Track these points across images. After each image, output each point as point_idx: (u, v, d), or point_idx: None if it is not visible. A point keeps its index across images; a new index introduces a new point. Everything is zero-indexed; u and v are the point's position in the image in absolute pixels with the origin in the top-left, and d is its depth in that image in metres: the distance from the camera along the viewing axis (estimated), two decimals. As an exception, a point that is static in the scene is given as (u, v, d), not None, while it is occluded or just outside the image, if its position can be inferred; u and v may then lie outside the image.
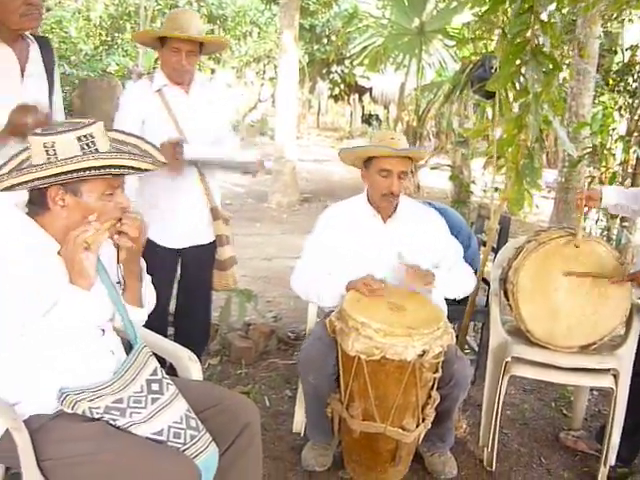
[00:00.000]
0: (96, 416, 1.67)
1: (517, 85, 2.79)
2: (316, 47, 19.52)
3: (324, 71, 21.51)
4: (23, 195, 1.72)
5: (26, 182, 1.62)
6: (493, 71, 3.61)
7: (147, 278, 2.00)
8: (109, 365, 1.79)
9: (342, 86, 21.91)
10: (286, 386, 3.47)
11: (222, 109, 3.05)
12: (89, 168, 1.60)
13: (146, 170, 1.74)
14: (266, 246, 6.97)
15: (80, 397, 1.66)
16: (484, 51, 5.09)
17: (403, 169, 2.57)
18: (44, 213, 1.69)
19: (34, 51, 2.37)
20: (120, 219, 1.73)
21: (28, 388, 1.68)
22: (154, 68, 16.48)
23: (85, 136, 1.62)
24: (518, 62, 2.63)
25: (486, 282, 3.35)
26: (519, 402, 3.47)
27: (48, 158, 1.61)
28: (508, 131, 2.80)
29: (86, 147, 1.62)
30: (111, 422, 1.68)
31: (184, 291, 3.02)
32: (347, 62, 19.69)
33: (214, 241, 3.01)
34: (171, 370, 2.13)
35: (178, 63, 2.75)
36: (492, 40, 4.60)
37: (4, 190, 1.63)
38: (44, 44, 2.42)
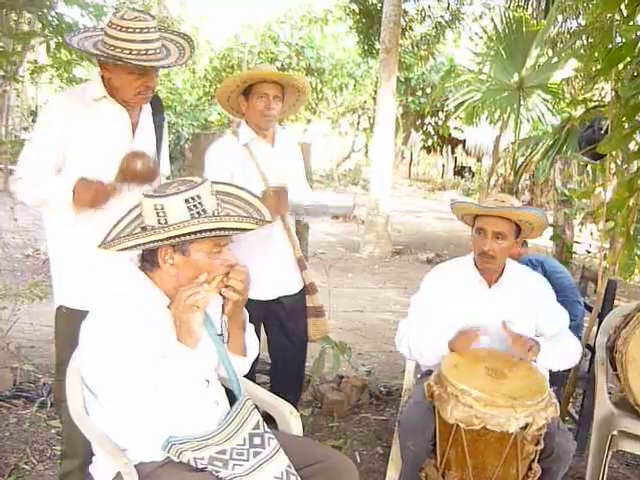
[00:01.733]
0: (200, 466, 1.71)
1: (630, 147, 2.71)
2: (410, 99, 19.72)
3: (418, 123, 21.64)
4: (137, 250, 1.82)
5: (138, 245, 1.71)
6: (603, 133, 3.53)
7: (250, 327, 2.05)
8: (214, 416, 1.84)
9: (435, 138, 21.94)
10: (377, 442, 3.41)
11: (299, 158, 3.17)
12: (196, 232, 1.67)
13: (251, 229, 1.80)
14: (358, 298, 6.97)
15: (186, 447, 1.71)
16: (585, 107, 4.97)
17: (498, 230, 2.51)
18: (155, 269, 1.78)
19: (146, 108, 2.51)
20: (227, 273, 1.79)
21: (136, 436, 1.73)
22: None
23: (193, 198, 1.70)
24: (632, 124, 2.56)
25: (590, 348, 3.21)
26: (622, 478, 3.26)
27: (158, 220, 1.70)
28: (619, 194, 2.71)
29: (193, 208, 1.69)
30: (214, 473, 1.71)
31: (280, 341, 3.05)
32: (441, 114, 19.77)
33: (302, 290, 3.05)
34: (268, 418, 2.13)
35: (266, 108, 2.83)
36: (593, 100, 4.50)
37: (119, 250, 1.74)
38: (155, 101, 2.54)
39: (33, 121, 7.86)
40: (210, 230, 1.69)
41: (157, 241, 1.69)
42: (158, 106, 2.60)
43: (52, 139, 2.32)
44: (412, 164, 25.58)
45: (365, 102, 20.18)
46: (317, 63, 18.16)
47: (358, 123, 22.40)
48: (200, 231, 1.68)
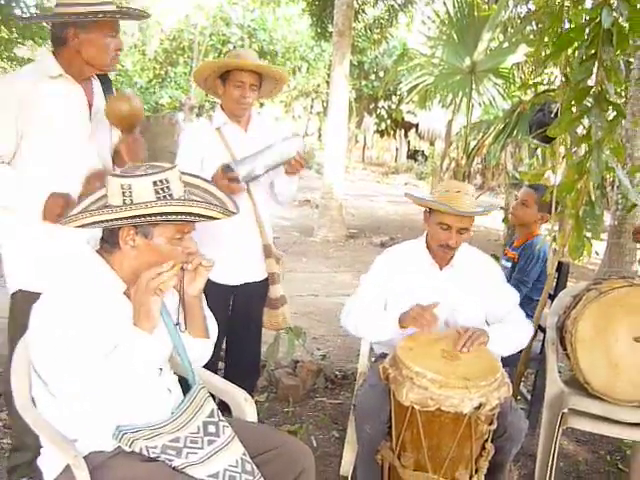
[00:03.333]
0: (152, 455, 1.68)
1: (578, 131, 2.75)
2: (364, 83, 19.77)
3: (371, 106, 21.72)
4: (97, 231, 1.77)
5: (100, 222, 1.67)
6: (553, 116, 3.58)
7: (208, 311, 2.02)
8: (166, 404, 1.81)
9: (388, 122, 22.07)
10: (333, 426, 3.43)
11: None
12: (161, 214, 1.64)
13: (216, 218, 1.76)
14: (312, 282, 6.97)
15: (137, 435, 1.68)
16: (535, 92, 5.04)
17: (463, 226, 2.55)
18: (114, 251, 1.73)
19: (97, 87, 2.48)
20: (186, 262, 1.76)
21: (87, 426, 1.69)
22: (206, 101, 16.92)
23: (161, 181, 1.67)
24: (581, 108, 2.59)
25: (541, 329, 3.27)
26: (573, 454, 3.35)
27: (124, 200, 1.66)
28: (569, 177, 2.75)
29: (161, 192, 1.66)
30: (167, 462, 1.68)
31: (235, 328, 3.01)
32: (394, 98, 19.88)
33: (266, 279, 3.02)
34: (221, 405, 2.11)
35: (242, 96, 2.81)
36: (543, 84, 4.57)
37: (78, 227, 1.68)
38: (105, 79, 2.52)
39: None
40: (175, 214, 1.66)
41: (120, 219, 1.64)
42: (107, 82, 2.55)
43: (9, 118, 2.25)
44: (365, 148, 25.70)
45: (318, 86, 20.14)
46: (269, 46, 18.03)
47: (311, 107, 22.36)
48: (165, 213, 1.64)
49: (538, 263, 3.45)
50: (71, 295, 1.65)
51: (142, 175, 1.66)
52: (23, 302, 2.33)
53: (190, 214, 1.69)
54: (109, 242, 1.73)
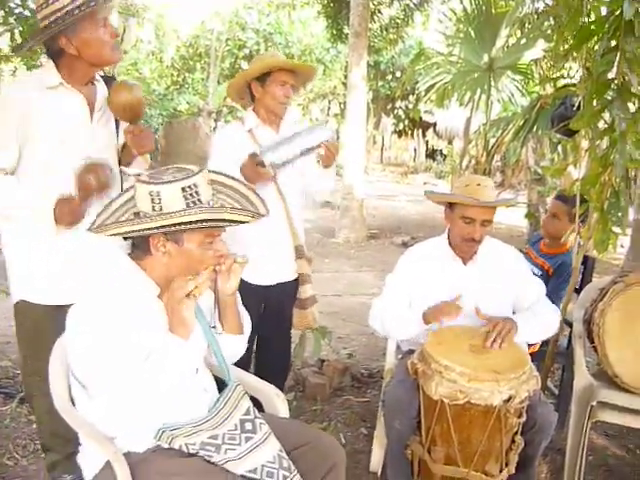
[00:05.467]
0: (192, 451, 1.71)
1: (601, 123, 2.74)
2: (381, 84, 19.74)
3: (388, 107, 21.67)
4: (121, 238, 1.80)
5: (132, 231, 1.69)
6: (575, 109, 3.56)
7: (241, 306, 2.05)
8: (203, 403, 1.83)
9: (406, 121, 22.00)
10: (361, 424, 3.45)
11: None
12: (192, 222, 1.66)
13: (246, 222, 1.78)
14: (336, 282, 6.99)
15: (176, 433, 1.71)
16: (554, 86, 5.02)
17: (487, 218, 2.56)
18: (145, 257, 1.76)
19: (101, 91, 2.42)
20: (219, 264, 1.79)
21: (126, 427, 1.72)
22: (223, 106, 17.02)
23: (189, 187, 1.68)
24: (603, 101, 2.58)
25: (567, 323, 3.27)
26: (602, 448, 3.34)
27: (153, 207, 1.68)
28: (593, 170, 2.74)
29: (190, 197, 1.67)
30: (206, 458, 1.71)
31: (266, 327, 3.04)
32: (411, 98, 19.81)
33: (297, 279, 3.06)
34: (253, 403, 2.12)
35: (285, 95, 2.86)
36: (563, 78, 4.54)
37: (110, 235, 1.72)
38: (110, 83, 2.45)
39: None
40: (205, 221, 1.68)
41: (151, 228, 1.66)
42: (112, 84, 2.48)
43: (9, 130, 2.22)
44: (384, 149, 25.65)
45: (335, 87, 20.14)
46: (285, 49, 18.07)
47: (329, 109, 22.37)
48: (195, 221, 1.66)
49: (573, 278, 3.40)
50: (107, 300, 1.68)
51: (170, 182, 1.68)
52: (24, 312, 2.38)
53: (219, 219, 1.71)
54: (140, 249, 1.76)
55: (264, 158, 2.69)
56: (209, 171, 1.81)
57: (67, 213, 2.20)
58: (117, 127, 2.50)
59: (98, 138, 2.39)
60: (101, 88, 2.42)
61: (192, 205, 1.67)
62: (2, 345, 4.19)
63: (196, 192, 1.69)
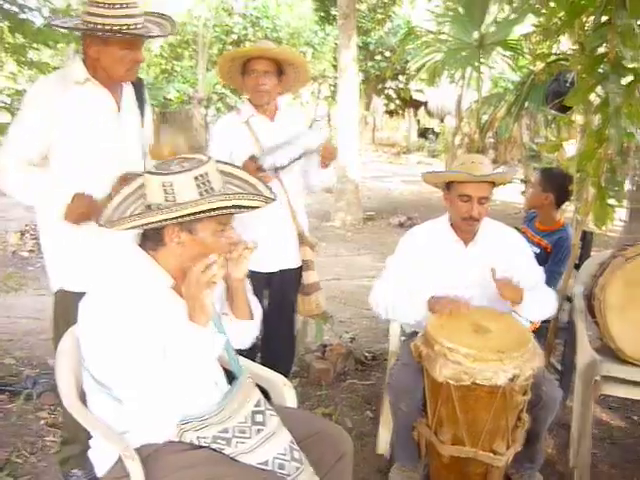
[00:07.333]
0: (203, 445, 1.72)
1: (596, 98, 2.74)
2: (370, 64, 19.61)
3: (379, 87, 21.57)
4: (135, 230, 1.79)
5: (147, 224, 1.68)
6: (569, 85, 3.56)
7: (250, 293, 2.06)
8: (213, 396, 1.83)
9: (397, 101, 21.91)
10: (366, 407, 3.47)
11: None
12: (208, 210, 1.66)
13: (257, 207, 1.79)
14: (334, 266, 6.99)
15: (187, 427, 1.72)
16: (545, 62, 5.00)
17: (483, 194, 2.56)
18: (158, 248, 1.75)
19: (127, 89, 2.50)
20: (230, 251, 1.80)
21: (144, 420, 1.72)
22: (213, 93, 16.91)
23: (201, 175, 1.68)
24: (596, 76, 2.58)
25: (568, 299, 3.28)
26: (606, 421, 3.38)
27: (166, 197, 1.67)
28: (588, 145, 2.74)
29: (202, 186, 1.67)
30: (218, 451, 1.72)
31: (270, 314, 3.04)
32: (401, 78, 19.72)
33: (300, 266, 3.07)
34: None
35: (257, 84, 2.87)
36: (555, 55, 4.52)
37: (125, 230, 1.70)
38: (137, 82, 2.54)
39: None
40: (221, 208, 1.67)
41: (168, 219, 1.66)
42: (139, 86, 2.58)
43: (40, 120, 2.31)
44: (375, 129, 25.54)
45: (325, 70, 20.00)
46: (273, 33, 17.90)
47: (319, 92, 22.23)
48: (211, 209, 1.66)
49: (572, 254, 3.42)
50: (120, 293, 1.67)
51: (182, 171, 1.67)
52: (63, 301, 2.41)
53: (233, 206, 1.71)
54: (153, 239, 1.75)
55: (263, 162, 2.73)
56: (217, 162, 1.81)
57: (78, 211, 2.26)
58: (143, 120, 2.58)
59: (125, 133, 2.46)
60: (128, 89, 2.50)
61: (205, 194, 1.67)
62: (5, 343, 4.19)
63: (208, 181, 1.69)
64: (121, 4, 2.22)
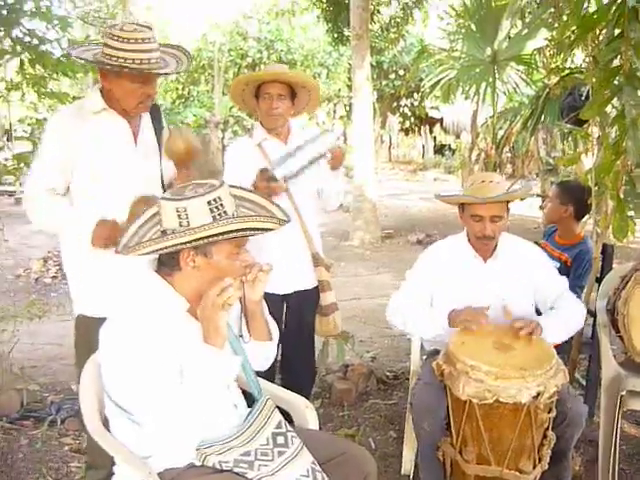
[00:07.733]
0: (225, 469, 1.72)
1: (611, 111, 2.73)
2: (384, 83, 19.72)
3: (393, 105, 21.65)
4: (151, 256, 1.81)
5: (163, 248, 1.71)
6: (584, 99, 3.55)
7: (267, 314, 2.07)
8: (232, 419, 1.84)
9: (412, 119, 21.97)
10: (390, 427, 3.44)
11: None
12: (221, 233, 1.68)
13: (270, 229, 1.80)
14: (353, 285, 6.98)
15: (209, 451, 1.72)
16: (559, 75, 5.00)
17: (495, 214, 2.55)
18: (174, 273, 1.77)
19: (145, 118, 2.54)
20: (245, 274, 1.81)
21: (164, 445, 1.72)
22: (229, 117, 17.07)
23: (214, 200, 1.70)
24: (611, 88, 2.57)
25: (591, 313, 3.24)
26: (634, 436, 3.31)
27: (180, 222, 1.70)
28: (606, 158, 2.73)
29: (215, 210, 1.70)
30: (241, 475, 1.72)
31: (288, 336, 3.05)
32: (416, 95, 19.80)
33: (317, 287, 3.07)
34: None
35: (270, 108, 2.90)
36: (569, 69, 4.51)
37: (140, 255, 1.73)
38: (154, 109, 2.57)
39: (8, 140, 7.80)
40: (235, 231, 1.70)
41: (183, 243, 1.68)
42: (157, 113, 2.62)
43: (61, 153, 2.36)
44: (391, 147, 25.62)
45: (339, 90, 20.14)
46: (288, 55, 18.11)
47: (334, 112, 22.37)
48: (225, 232, 1.68)
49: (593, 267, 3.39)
50: (138, 319, 1.69)
51: (195, 196, 1.70)
52: (83, 327, 2.44)
53: (247, 229, 1.73)
54: (168, 264, 1.77)
55: (276, 173, 2.75)
56: (230, 186, 1.83)
57: (104, 236, 2.29)
58: (160, 148, 2.59)
59: (143, 162, 2.50)
60: (145, 117, 2.54)
61: (218, 217, 1.69)
62: (29, 370, 4.22)
63: (221, 205, 1.71)
64: (136, 39, 2.25)
